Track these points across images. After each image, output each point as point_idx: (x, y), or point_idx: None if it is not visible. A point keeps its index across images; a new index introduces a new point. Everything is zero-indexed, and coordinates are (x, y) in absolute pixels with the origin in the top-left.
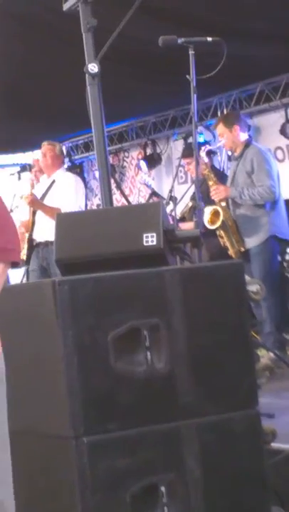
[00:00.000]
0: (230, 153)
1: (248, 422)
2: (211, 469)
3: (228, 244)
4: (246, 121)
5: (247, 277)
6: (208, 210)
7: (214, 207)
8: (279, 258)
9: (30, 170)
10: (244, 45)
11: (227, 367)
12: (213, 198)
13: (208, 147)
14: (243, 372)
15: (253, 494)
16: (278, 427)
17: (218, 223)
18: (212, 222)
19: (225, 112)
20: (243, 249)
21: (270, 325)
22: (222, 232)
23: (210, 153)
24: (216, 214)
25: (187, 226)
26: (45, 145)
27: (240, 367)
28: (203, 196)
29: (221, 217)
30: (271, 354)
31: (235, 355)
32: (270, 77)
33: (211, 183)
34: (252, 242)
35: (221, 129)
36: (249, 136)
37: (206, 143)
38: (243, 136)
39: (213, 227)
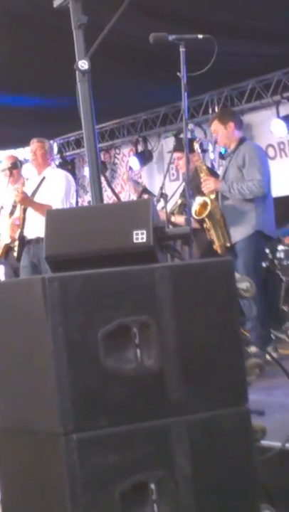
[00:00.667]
0: (223, 150)
1: (237, 420)
2: (201, 466)
3: (214, 237)
4: (241, 119)
5: (237, 274)
6: (197, 201)
7: (203, 198)
8: (270, 256)
9: (21, 166)
10: (235, 42)
11: (217, 364)
12: (202, 189)
13: (200, 139)
14: (233, 369)
15: (243, 492)
16: (268, 425)
17: (205, 213)
18: (200, 213)
19: (216, 109)
20: (228, 245)
21: (252, 321)
22: (209, 224)
23: (202, 148)
24: (204, 205)
25: (179, 220)
26: (34, 142)
27: (230, 364)
28: (193, 191)
29: (209, 208)
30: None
31: (225, 352)
32: (261, 75)
33: (202, 174)
34: (237, 235)
35: (215, 125)
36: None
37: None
38: (238, 133)
39: (199, 218)
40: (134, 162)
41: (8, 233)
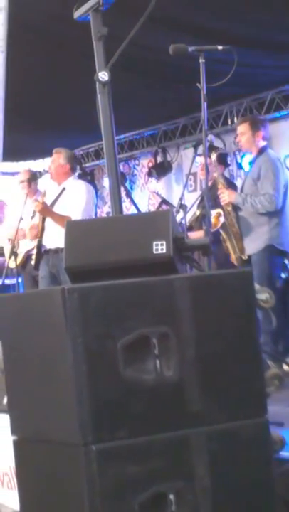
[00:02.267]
0: (250, 161)
1: (256, 431)
2: (220, 477)
3: (230, 248)
4: (268, 131)
5: (256, 285)
6: (212, 214)
7: (217, 210)
8: None
9: (36, 180)
10: (255, 53)
11: (236, 375)
12: (221, 202)
13: (219, 149)
14: (253, 380)
15: (262, 503)
16: (287, 436)
17: (219, 225)
18: (214, 225)
19: (235, 120)
20: (244, 257)
21: (265, 336)
22: (224, 236)
23: (221, 159)
24: (217, 217)
25: (196, 235)
26: (53, 153)
27: (250, 375)
28: (211, 202)
29: (222, 220)
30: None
31: (244, 363)
32: (280, 86)
33: (219, 186)
34: (250, 249)
35: (244, 127)
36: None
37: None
38: (262, 143)
39: (213, 230)
40: (153, 174)
41: (28, 237)
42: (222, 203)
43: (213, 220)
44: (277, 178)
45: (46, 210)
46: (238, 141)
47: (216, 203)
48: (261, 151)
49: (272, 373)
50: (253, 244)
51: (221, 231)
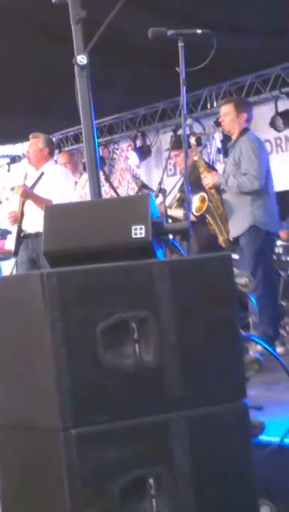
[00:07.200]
0: (219, 145)
1: (236, 415)
2: (200, 462)
3: (217, 231)
4: (253, 115)
5: (236, 270)
6: (196, 198)
7: (201, 193)
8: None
9: (20, 161)
10: (234, 37)
11: (215, 359)
12: (204, 185)
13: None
14: (232, 364)
15: (241, 487)
16: (266, 420)
17: (204, 209)
18: (200, 209)
19: (215, 104)
20: (231, 239)
21: (259, 317)
22: (209, 219)
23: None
24: (202, 200)
25: (176, 213)
26: (30, 138)
27: (229, 359)
28: (192, 186)
29: (206, 203)
30: (259, 347)
31: (223, 347)
32: (260, 70)
33: (200, 169)
34: (235, 230)
35: (229, 108)
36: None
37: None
38: (244, 125)
39: (199, 214)
40: (133, 157)
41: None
42: (206, 187)
43: (198, 203)
44: (258, 158)
45: (28, 193)
46: (220, 120)
47: (196, 186)
48: (243, 132)
49: (252, 358)
50: (237, 226)
51: (206, 215)
